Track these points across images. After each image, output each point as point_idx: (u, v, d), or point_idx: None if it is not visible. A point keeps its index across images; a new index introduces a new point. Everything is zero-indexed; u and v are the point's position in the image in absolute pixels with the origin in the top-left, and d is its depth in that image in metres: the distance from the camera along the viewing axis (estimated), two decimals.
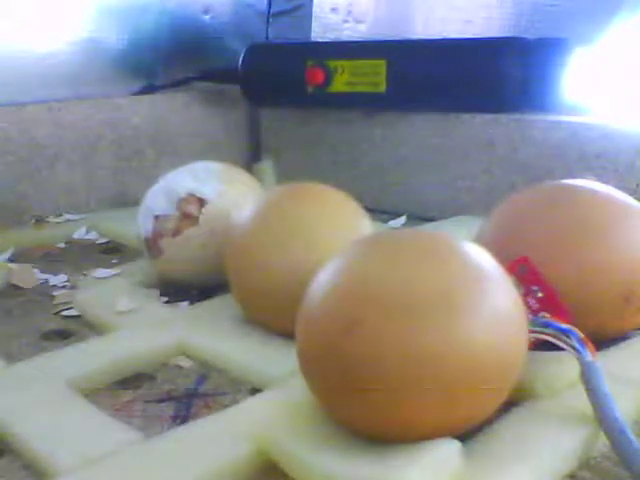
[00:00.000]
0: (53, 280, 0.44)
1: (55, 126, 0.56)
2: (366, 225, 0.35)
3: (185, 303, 0.39)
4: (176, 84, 0.64)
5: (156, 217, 0.40)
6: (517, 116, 0.49)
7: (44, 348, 0.35)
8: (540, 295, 0.29)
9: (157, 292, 0.40)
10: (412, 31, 0.62)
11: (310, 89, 0.57)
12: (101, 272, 0.43)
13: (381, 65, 0.53)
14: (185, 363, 0.33)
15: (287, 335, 0.31)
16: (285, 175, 0.61)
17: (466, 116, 0.52)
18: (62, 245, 0.51)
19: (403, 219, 0.54)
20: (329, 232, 0.33)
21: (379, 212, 0.54)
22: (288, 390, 0.28)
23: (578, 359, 0.26)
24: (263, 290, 0.33)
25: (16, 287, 0.43)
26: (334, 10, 0.66)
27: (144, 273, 0.43)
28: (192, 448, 0.25)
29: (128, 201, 0.56)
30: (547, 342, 0.26)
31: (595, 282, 0.30)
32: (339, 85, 0.55)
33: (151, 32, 0.62)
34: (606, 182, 0.33)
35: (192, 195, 0.39)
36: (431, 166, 0.54)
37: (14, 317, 0.39)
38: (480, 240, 0.31)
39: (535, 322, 0.27)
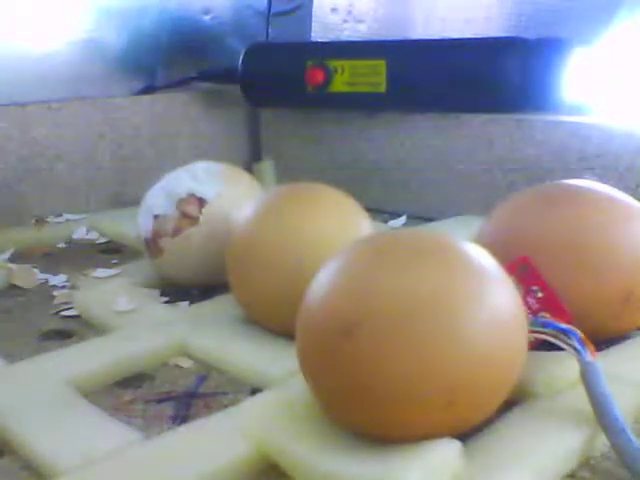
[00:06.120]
0: (53, 280, 0.44)
1: (55, 126, 0.56)
2: (366, 225, 0.35)
3: (185, 303, 0.39)
4: (176, 84, 0.64)
5: (156, 217, 0.40)
6: (517, 116, 0.49)
7: (44, 348, 0.35)
8: (540, 295, 0.29)
9: (157, 292, 0.40)
10: (412, 31, 0.62)
11: (310, 89, 0.57)
12: (101, 272, 0.43)
13: (381, 65, 0.53)
14: (185, 363, 0.33)
15: (287, 335, 0.31)
16: (285, 175, 0.61)
17: (466, 116, 0.52)
18: (62, 245, 0.51)
19: (403, 219, 0.54)
20: (329, 232, 0.33)
21: (379, 212, 0.54)
22: (288, 390, 0.28)
23: (578, 359, 0.26)
24: (263, 290, 0.33)
25: (16, 287, 0.43)
26: (334, 10, 0.66)
27: (144, 273, 0.43)
28: (192, 448, 0.25)
29: (128, 201, 0.56)
30: (547, 342, 0.27)
31: (595, 282, 0.30)
32: (339, 85, 0.55)
33: (151, 32, 0.62)
34: (606, 182, 0.33)
35: (192, 195, 0.39)
36: (431, 166, 0.54)
37: (14, 317, 0.39)
38: (480, 240, 0.31)
39: (535, 322, 0.27)
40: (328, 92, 0.56)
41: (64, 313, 0.39)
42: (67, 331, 0.37)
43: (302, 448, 0.24)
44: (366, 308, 0.23)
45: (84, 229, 0.53)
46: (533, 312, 0.28)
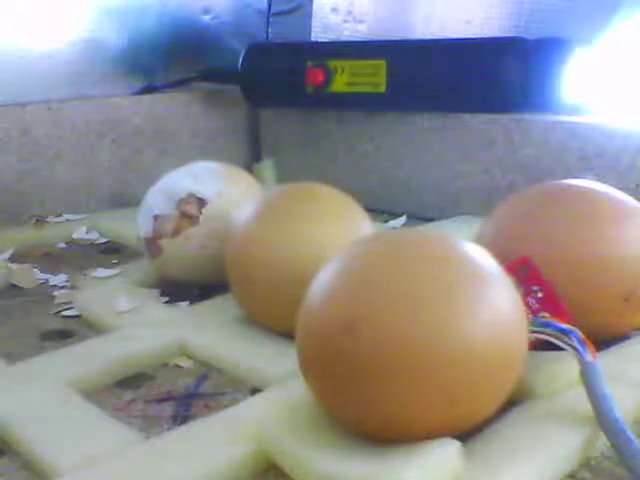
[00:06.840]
0: (53, 280, 0.44)
1: (55, 126, 0.56)
2: (366, 225, 0.35)
3: (185, 303, 0.39)
4: (176, 84, 0.64)
5: (156, 217, 0.40)
6: (517, 116, 0.49)
7: (44, 348, 0.35)
8: (540, 295, 0.29)
9: (157, 292, 0.40)
10: (412, 31, 0.62)
11: (310, 89, 0.57)
12: (101, 272, 0.43)
13: (381, 65, 0.53)
14: (185, 363, 0.33)
15: (287, 335, 0.31)
16: (285, 175, 0.61)
17: (466, 116, 0.52)
18: (62, 245, 0.51)
19: (403, 219, 0.54)
20: (329, 232, 0.33)
21: (379, 212, 0.54)
22: (288, 390, 0.28)
23: (578, 359, 0.26)
24: (263, 290, 0.33)
25: (16, 287, 0.43)
26: (334, 10, 0.66)
27: (144, 273, 0.43)
28: (192, 448, 0.25)
29: (128, 201, 0.56)
30: (547, 342, 0.27)
31: (595, 282, 0.30)
32: (339, 85, 0.55)
33: (151, 32, 0.62)
34: (606, 182, 0.33)
35: (192, 195, 0.39)
36: (431, 166, 0.54)
37: (14, 317, 0.39)
38: (480, 240, 0.31)
39: (535, 322, 0.27)
40: (328, 92, 0.56)
41: (64, 313, 0.39)
42: (67, 331, 0.37)
43: (302, 448, 0.24)
44: (366, 308, 0.23)
45: (84, 229, 0.53)
46: (533, 312, 0.28)
